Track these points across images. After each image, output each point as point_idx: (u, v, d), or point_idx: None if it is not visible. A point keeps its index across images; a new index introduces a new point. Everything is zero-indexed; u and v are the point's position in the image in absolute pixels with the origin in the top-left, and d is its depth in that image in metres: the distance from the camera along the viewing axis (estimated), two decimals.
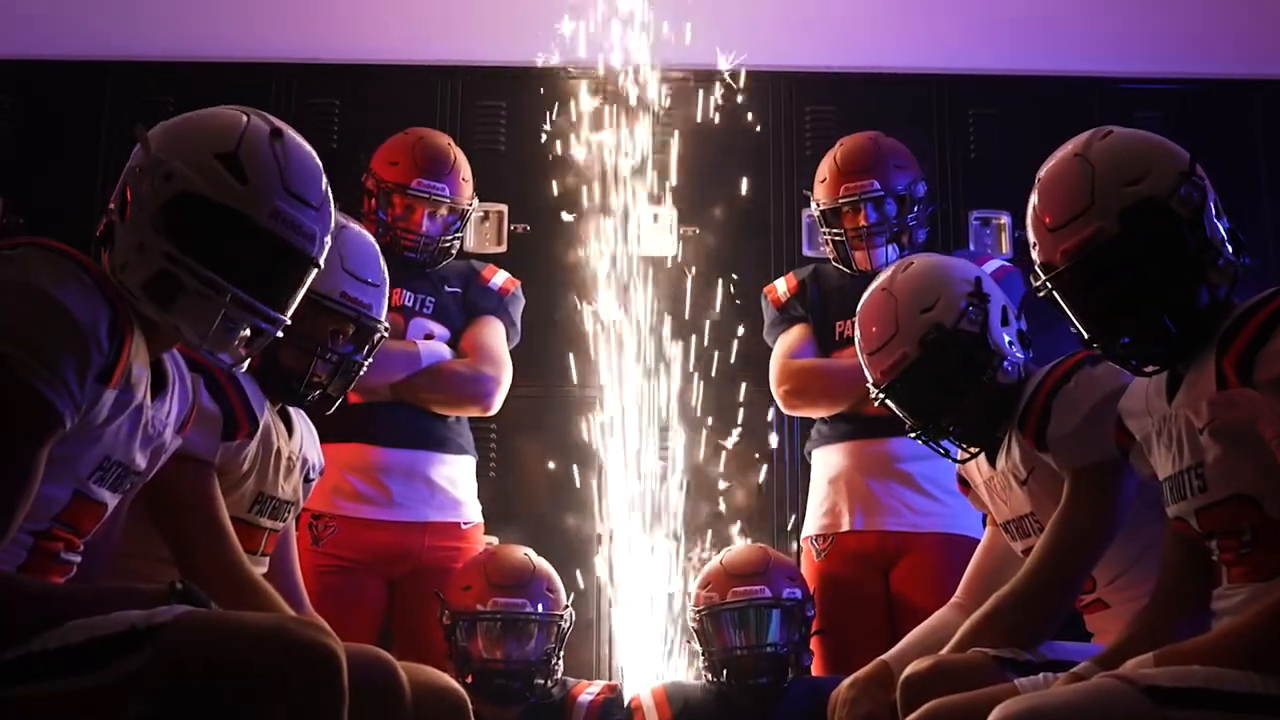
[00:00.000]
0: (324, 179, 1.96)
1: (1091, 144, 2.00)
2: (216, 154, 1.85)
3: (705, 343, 3.71)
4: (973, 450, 2.43)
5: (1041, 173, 2.05)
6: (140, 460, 1.90)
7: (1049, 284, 2.00)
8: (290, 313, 1.94)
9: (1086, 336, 2.00)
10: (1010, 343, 2.38)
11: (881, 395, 2.43)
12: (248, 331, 1.89)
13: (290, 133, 1.94)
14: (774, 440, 3.69)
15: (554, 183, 3.81)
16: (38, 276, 1.68)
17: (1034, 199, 2.04)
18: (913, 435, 2.45)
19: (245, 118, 1.92)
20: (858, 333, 2.50)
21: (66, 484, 1.78)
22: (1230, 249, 1.93)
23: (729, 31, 3.73)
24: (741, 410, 3.69)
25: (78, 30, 3.88)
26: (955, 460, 2.49)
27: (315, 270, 1.95)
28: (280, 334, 1.93)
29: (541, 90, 3.85)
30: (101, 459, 1.80)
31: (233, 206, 1.84)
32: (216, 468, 2.18)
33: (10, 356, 1.63)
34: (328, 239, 1.97)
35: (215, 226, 1.83)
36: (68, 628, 1.62)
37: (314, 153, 1.97)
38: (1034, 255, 2.05)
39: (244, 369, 2.19)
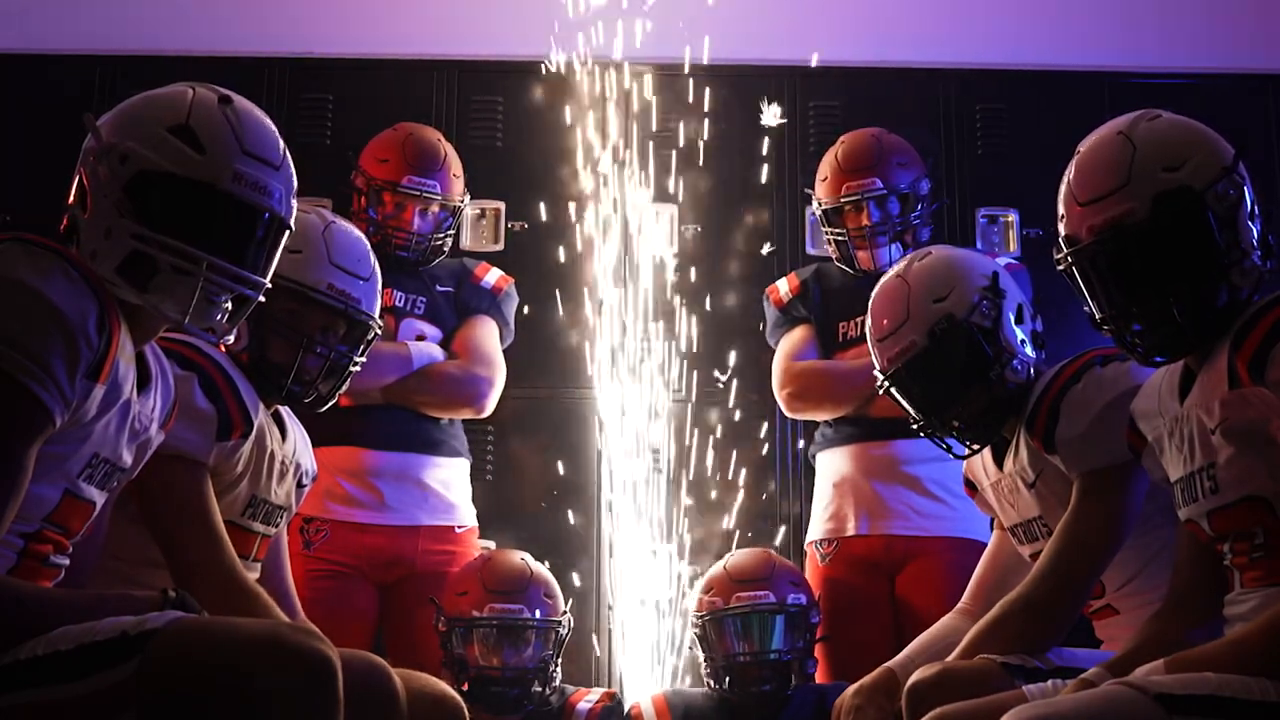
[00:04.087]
0: (280, 141, 1.96)
1: (1138, 124, 1.97)
2: (169, 128, 1.85)
3: (706, 343, 3.69)
4: (975, 446, 2.40)
5: (1082, 146, 2.02)
6: (127, 457, 1.89)
7: (1069, 258, 1.97)
8: (269, 276, 1.93)
9: (1098, 317, 1.98)
10: (1022, 341, 2.36)
11: (887, 384, 2.40)
12: (230, 305, 1.89)
13: (240, 98, 1.95)
14: (777, 443, 3.67)
15: (552, 180, 3.79)
16: (23, 272, 1.66)
17: (1069, 171, 2.01)
18: (915, 428, 2.42)
19: (191, 90, 1.92)
20: (868, 319, 2.47)
21: (57, 483, 1.76)
22: (1259, 253, 1.90)
23: (733, 25, 3.71)
24: (744, 412, 3.66)
25: (66, 24, 3.88)
26: (958, 457, 2.46)
27: (287, 231, 1.95)
28: (261, 299, 1.92)
29: (540, 86, 3.83)
30: (90, 456, 1.79)
31: (193, 176, 1.84)
32: (210, 469, 2.16)
33: None
34: (293, 200, 1.97)
35: (179, 199, 1.83)
36: (58, 634, 1.60)
37: (266, 117, 1.97)
38: (1060, 228, 2.02)
39: (236, 369, 2.19)
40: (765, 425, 3.67)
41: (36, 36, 3.88)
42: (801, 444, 3.59)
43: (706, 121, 3.82)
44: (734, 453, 3.66)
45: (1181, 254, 1.88)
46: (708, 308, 3.73)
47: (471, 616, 2.76)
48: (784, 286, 3.23)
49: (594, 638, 3.52)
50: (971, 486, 2.56)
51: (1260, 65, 3.98)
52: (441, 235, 3.12)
